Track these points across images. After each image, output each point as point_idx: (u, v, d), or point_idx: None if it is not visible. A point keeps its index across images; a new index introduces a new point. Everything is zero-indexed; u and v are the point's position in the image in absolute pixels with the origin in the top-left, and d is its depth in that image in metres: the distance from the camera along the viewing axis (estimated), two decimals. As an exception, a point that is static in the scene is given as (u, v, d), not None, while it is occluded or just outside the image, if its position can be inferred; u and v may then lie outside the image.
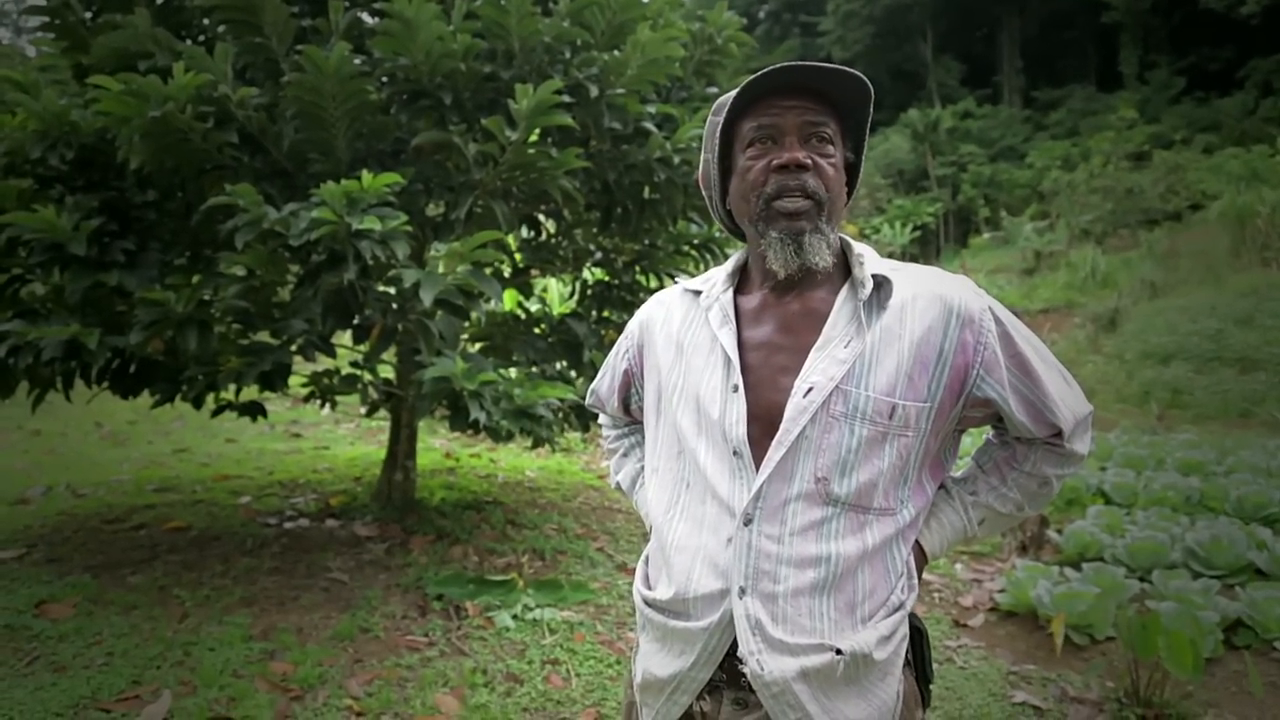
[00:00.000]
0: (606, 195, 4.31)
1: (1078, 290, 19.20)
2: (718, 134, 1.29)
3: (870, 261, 1.26)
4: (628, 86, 3.84)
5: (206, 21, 4.05)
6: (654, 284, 4.93)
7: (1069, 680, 3.27)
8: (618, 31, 3.94)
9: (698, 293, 1.37)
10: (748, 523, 1.18)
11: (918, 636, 1.30)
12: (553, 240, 5.08)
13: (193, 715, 2.76)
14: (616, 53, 3.84)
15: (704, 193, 1.38)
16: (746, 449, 1.20)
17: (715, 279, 1.37)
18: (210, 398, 4.07)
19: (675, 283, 1.48)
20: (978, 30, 42.84)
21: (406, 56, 3.52)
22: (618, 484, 1.62)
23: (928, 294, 1.23)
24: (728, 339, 1.26)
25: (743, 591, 1.17)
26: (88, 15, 4.01)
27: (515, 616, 3.62)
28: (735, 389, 1.23)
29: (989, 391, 1.23)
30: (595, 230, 4.90)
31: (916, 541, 1.29)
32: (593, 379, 1.64)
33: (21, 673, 3.01)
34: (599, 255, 5.10)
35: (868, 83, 1.21)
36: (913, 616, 1.29)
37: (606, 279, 5.07)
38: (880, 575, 1.21)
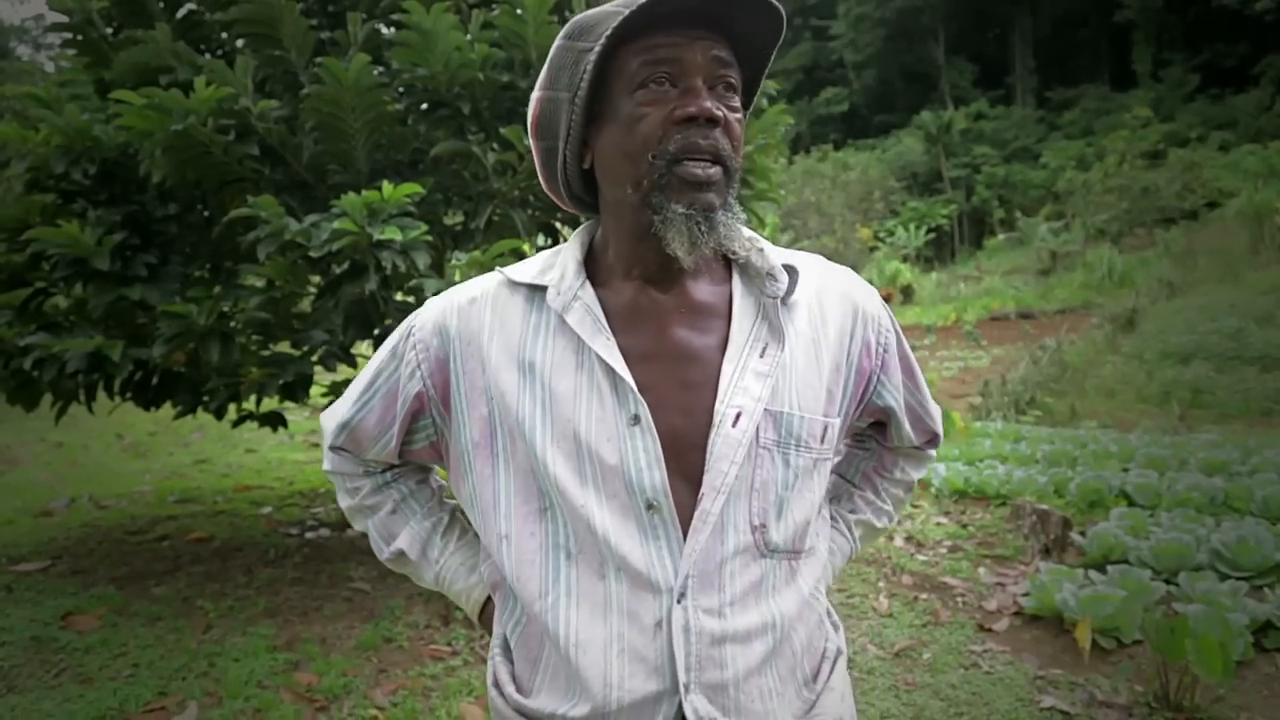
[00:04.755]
0: (623, 202, 4.31)
1: (1095, 290, 19.12)
2: (587, 67, 0.94)
3: (768, 247, 1.01)
4: (644, 93, 3.84)
5: (226, 35, 4.09)
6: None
7: (1097, 685, 3.24)
8: (633, 39, 3.95)
9: (535, 288, 1.01)
10: (680, 598, 0.92)
11: None
12: (569, 248, 5.09)
13: (220, 726, 2.77)
14: (632, 60, 3.85)
15: (539, 143, 1.03)
16: (667, 501, 0.92)
17: (557, 267, 1.02)
18: (231, 409, 4.10)
19: None
20: (990, 31, 42.72)
21: (425, 67, 3.53)
22: (396, 554, 1.15)
23: (832, 289, 1.05)
24: (609, 352, 0.94)
25: (686, 688, 0.91)
26: (109, 31, 4.05)
27: (538, 624, 3.62)
28: (635, 421, 0.93)
29: (889, 398, 1.08)
30: (612, 237, 4.91)
31: None
32: None
33: (49, 685, 3.03)
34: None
35: (783, 16, 0.95)
36: None
37: (623, 285, 5.07)
38: (814, 625, 1.03)
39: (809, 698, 1.01)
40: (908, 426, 1.13)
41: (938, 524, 5.24)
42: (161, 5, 4.02)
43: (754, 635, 0.94)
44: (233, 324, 3.65)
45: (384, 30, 3.95)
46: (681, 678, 0.91)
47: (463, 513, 1.17)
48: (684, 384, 0.96)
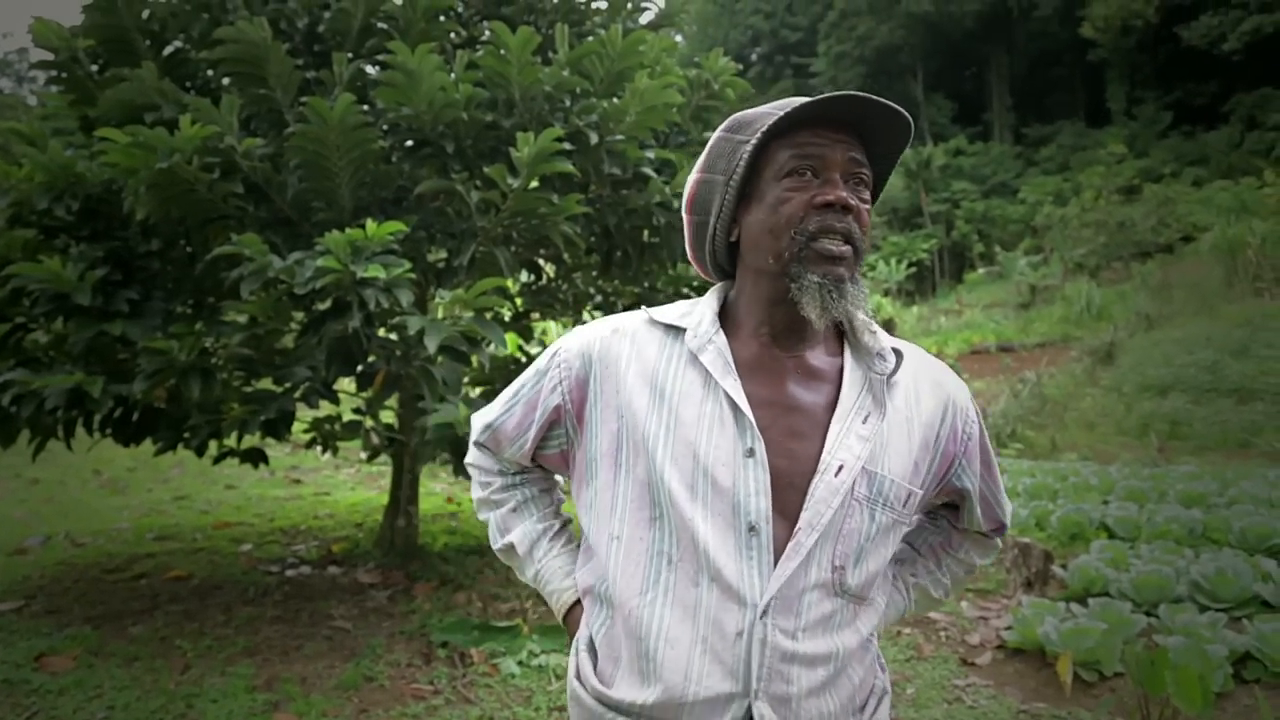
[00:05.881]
0: (606, 239, 4.35)
1: (1074, 324, 19.33)
2: (743, 156, 1.12)
3: (880, 331, 1.18)
4: (627, 133, 3.90)
5: (212, 74, 4.12)
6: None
7: (1080, 718, 3.25)
8: (617, 79, 4.01)
9: (672, 328, 1.17)
10: (763, 615, 1.05)
11: None
12: (553, 284, 5.12)
13: (196, 769, 2.73)
14: (616, 100, 3.91)
15: (692, 217, 1.20)
16: (767, 527, 1.06)
17: (695, 314, 1.18)
18: (212, 445, 4.07)
19: None
20: (967, 69, 43.53)
21: (409, 106, 3.57)
22: (507, 546, 1.33)
23: (928, 376, 1.20)
24: (736, 391, 1.09)
25: (755, 694, 1.05)
26: (94, 68, 4.07)
27: (521, 663, 3.59)
28: (750, 454, 1.07)
29: (966, 482, 1.22)
30: (595, 274, 4.95)
31: None
32: None
33: (22, 728, 2.98)
34: (599, 298, 5.13)
35: (911, 126, 1.10)
36: None
37: (606, 321, 5.10)
38: (869, 665, 1.18)
39: None
40: (979, 512, 1.27)
41: (920, 558, 5.24)
42: (148, 43, 4.04)
43: (818, 661, 1.08)
44: (214, 360, 3.64)
45: (369, 70, 4.00)
46: (754, 684, 1.05)
47: (572, 524, 1.35)
48: (792, 432, 1.10)
